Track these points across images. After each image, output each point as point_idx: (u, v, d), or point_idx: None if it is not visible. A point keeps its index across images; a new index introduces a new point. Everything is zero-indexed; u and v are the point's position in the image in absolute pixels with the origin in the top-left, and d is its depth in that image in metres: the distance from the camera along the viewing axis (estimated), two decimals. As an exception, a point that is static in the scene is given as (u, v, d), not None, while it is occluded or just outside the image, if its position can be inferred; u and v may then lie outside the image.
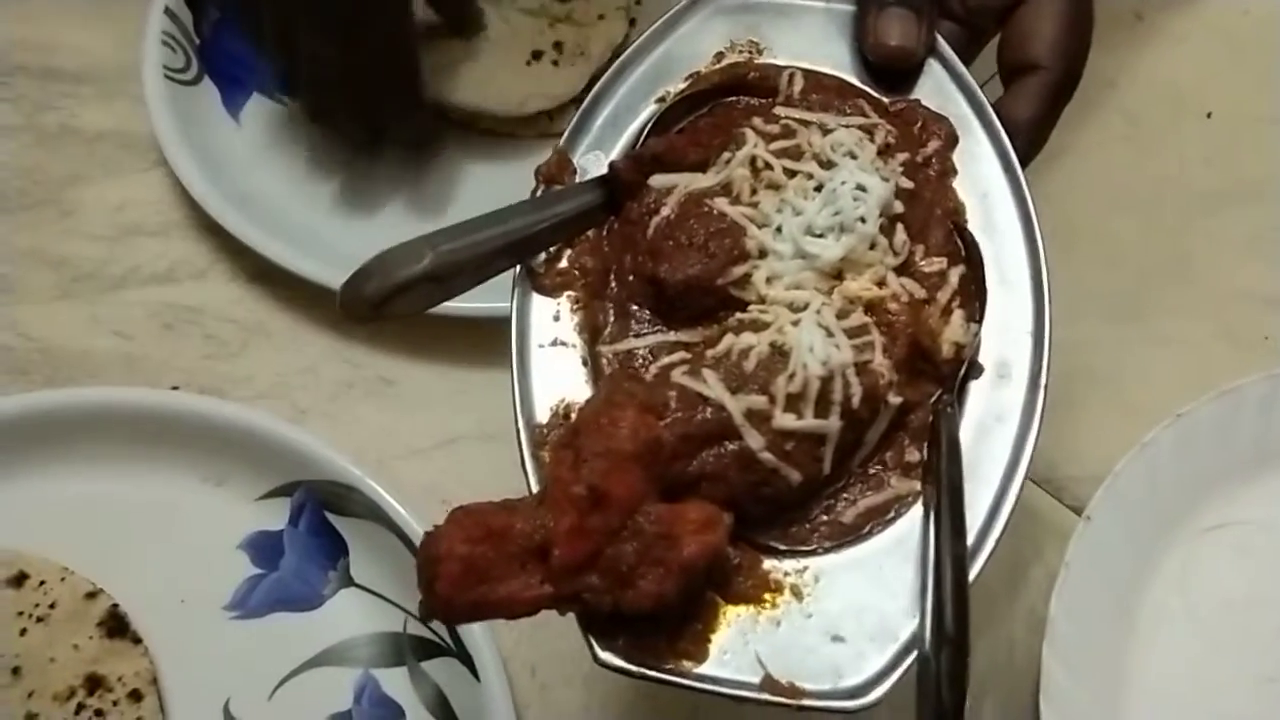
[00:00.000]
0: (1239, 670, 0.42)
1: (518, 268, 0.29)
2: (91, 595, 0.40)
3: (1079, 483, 0.45)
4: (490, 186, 0.49)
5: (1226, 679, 0.42)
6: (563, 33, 0.50)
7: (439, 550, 0.24)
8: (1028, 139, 0.32)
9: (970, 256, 0.29)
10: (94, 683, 0.39)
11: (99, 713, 0.38)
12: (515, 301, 0.29)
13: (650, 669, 0.25)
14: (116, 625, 0.40)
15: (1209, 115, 0.57)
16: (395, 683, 0.40)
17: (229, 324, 0.48)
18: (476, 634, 0.38)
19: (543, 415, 0.28)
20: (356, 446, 0.43)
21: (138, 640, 0.40)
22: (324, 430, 0.44)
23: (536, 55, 0.50)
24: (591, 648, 0.25)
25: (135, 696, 0.39)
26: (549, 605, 0.24)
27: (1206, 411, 0.45)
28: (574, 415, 0.27)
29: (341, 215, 0.49)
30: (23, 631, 0.39)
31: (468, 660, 0.39)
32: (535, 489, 0.26)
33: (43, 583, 0.40)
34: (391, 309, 0.26)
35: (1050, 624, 0.40)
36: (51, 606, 0.40)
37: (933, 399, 0.28)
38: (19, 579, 0.40)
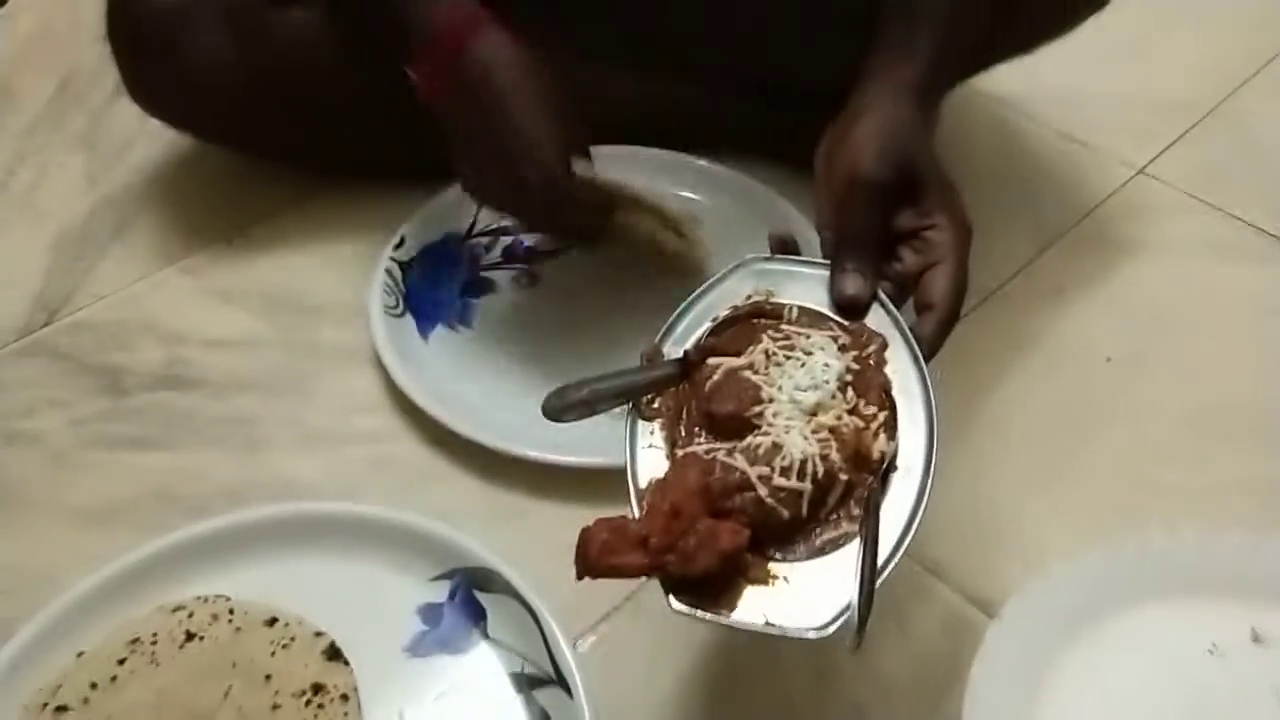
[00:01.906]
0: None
1: (629, 404, 0.51)
2: (319, 634, 0.58)
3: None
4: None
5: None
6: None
7: (589, 535, 0.44)
8: (928, 348, 0.52)
9: (892, 407, 0.50)
10: (318, 688, 0.56)
11: (320, 705, 0.56)
12: (629, 423, 0.50)
13: (701, 612, 0.43)
14: (334, 654, 0.58)
15: (1108, 360, 0.78)
16: (514, 705, 0.57)
17: (415, 469, 0.69)
18: (573, 669, 0.56)
19: (643, 483, 0.48)
20: (498, 551, 0.62)
21: (347, 663, 0.57)
22: (477, 536, 0.63)
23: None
24: (668, 599, 0.43)
25: (344, 699, 0.56)
26: (647, 572, 0.43)
27: (1098, 555, 0.63)
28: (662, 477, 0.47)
29: (494, 400, 0.71)
30: (273, 653, 0.58)
31: (565, 686, 0.56)
32: (638, 516, 0.46)
33: (287, 624, 0.59)
34: (566, 418, 0.48)
35: (970, 688, 0.56)
36: (292, 639, 0.58)
37: (868, 481, 0.48)
38: (272, 621, 0.59)
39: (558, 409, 0.49)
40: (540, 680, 0.58)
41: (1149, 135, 0.96)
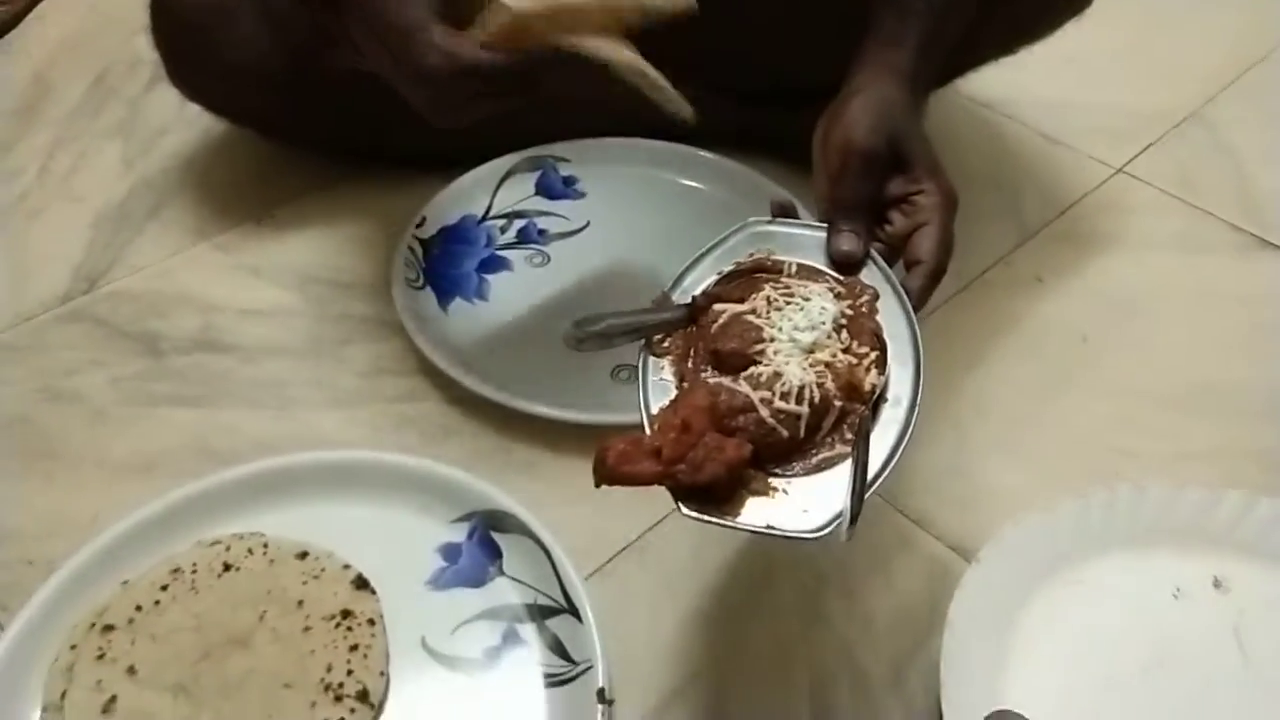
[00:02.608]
0: (1084, 675, 0.61)
1: (642, 341, 0.55)
2: (346, 567, 0.63)
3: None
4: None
5: (1076, 678, 0.61)
6: None
7: (607, 446, 0.48)
8: (916, 299, 0.57)
9: (882, 348, 0.55)
10: (346, 613, 0.60)
11: (349, 628, 0.60)
12: (641, 358, 0.55)
13: (708, 517, 0.48)
14: (361, 583, 0.62)
15: (1085, 339, 0.84)
16: (528, 632, 0.61)
17: (436, 425, 0.73)
18: (583, 598, 0.60)
19: (654, 409, 0.52)
20: (512, 496, 0.67)
21: (373, 592, 0.62)
22: (493, 484, 0.68)
23: None
24: (678, 506, 0.48)
25: (371, 623, 0.60)
26: (658, 480, 0.48)
27: (1069, 506, 0.68)
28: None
29: (508, 363, 0.76)
30: (305, 583, 0.62)
31: (575, 613, 0.60)
32: (650, 433, 0.51)
33: (317, 558, 0.63)
34: (583, 347, 0.53)
35: (949, 623, 0.61)
36: (322, 570, 0.63)
37: (860, 410, 0.52)
38: (303, 555, 0.63)
39: (576, 338, 0.53)
40: (552, 610, 0.62)
41: (1128, 138, 1.02)
